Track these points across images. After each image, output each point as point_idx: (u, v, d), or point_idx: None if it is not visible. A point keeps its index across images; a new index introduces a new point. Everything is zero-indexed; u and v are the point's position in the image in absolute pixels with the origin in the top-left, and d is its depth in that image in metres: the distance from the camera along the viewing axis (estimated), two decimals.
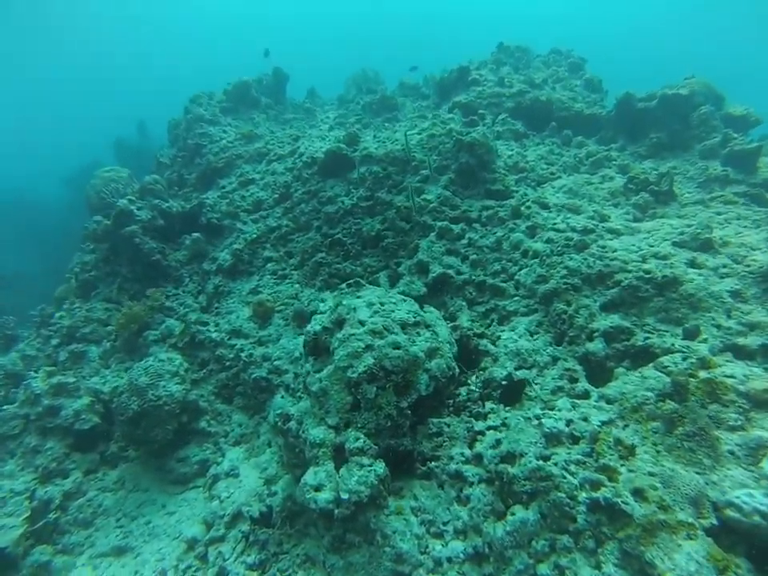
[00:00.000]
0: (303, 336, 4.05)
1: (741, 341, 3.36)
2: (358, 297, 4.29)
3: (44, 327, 6.85)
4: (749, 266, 3.87)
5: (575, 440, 3.04)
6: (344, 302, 3.85)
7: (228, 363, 5.52)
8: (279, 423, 4.17)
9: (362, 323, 3.73)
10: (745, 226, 4.63)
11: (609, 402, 3.30)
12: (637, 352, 3.64)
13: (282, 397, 5.06)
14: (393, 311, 3.91)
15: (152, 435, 4.84)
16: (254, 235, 6.26)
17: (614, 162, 5.99)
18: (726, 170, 5.51)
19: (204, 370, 5.64)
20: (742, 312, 3.58)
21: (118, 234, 6.63)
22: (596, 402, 3.36)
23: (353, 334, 3.61)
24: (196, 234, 6.76)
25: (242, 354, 5.43)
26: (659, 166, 5.90)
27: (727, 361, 3.24)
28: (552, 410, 3.42)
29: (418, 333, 3.84)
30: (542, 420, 3.23)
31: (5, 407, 5.27)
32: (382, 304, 4.05)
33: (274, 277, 6.00)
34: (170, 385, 5.02)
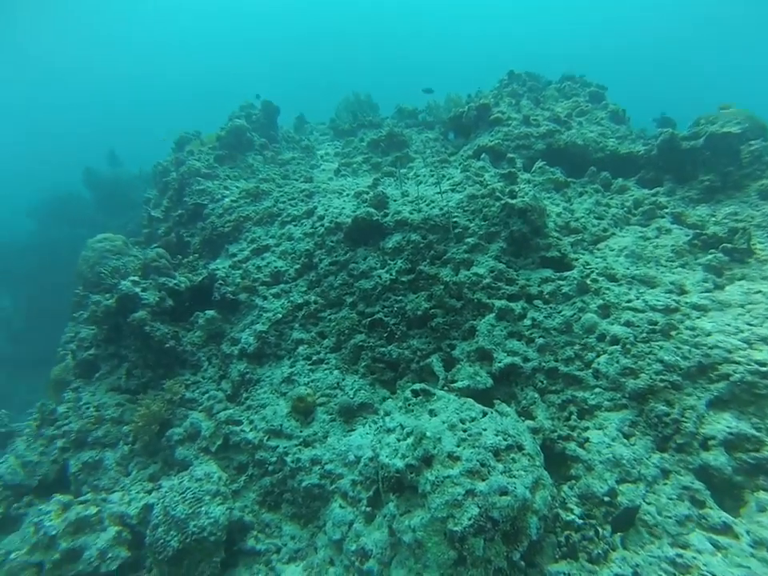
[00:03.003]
0: (382, 470, 3.61)
1: None
2: (431, 411, 3.91)
3: (45, 426, 6.25)
4: None
5: None
6: (427, 434, 3.44)
7: (271, 467, 5.04)
8: (357, 563, 3.78)
9: (451, 458, 3.34)
10: None
11: None
12: None
13: (341, 506, 4.61)
14: (480, 434, 3.54)
15: (197, 574, 4.33)
16: (279, 315, 5.79)
17: (665, 211, 5.72)
18: None
19: (243, 476, 5.15)
20: None
21: (123, 320, 6.07)
22: (752, 547, 2.93)
23: (447, 477, 3.21)
24: (210, 313, 6.25)
25: (288, 459, 4.95)
26: (716, 211, 5.65)
27: None
28: (685, 548, 3.06)
29: (513, 459, 3.47)
30: None
31: (13, 555, 4.63)
32: (463, 422, 3.69)
33: (309, 362, 5.55)
34: (212, 509, 4.52)
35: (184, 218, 7.90)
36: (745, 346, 3.73)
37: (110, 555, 4.53)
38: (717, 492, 3.32)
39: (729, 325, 3.97)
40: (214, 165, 8.42)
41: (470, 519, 3.04)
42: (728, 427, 3.43)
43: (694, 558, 2.89)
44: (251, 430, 5.26)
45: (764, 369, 3.51)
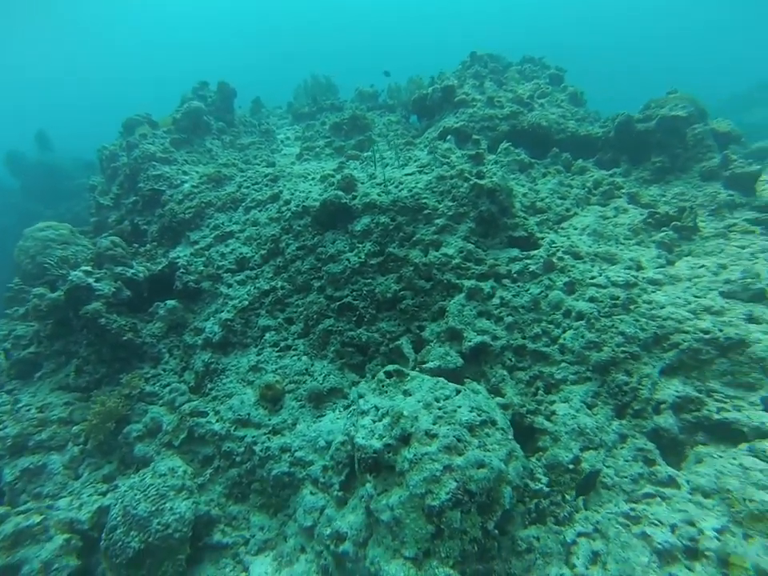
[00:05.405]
0: (358, 452, 3.63)
1: None
2: (406, 391, 3.96)
3: None
4: None
5: (693, 556, 2.91)
6: (404, 413, 3.48)
7: (238, 458, 4.95)
8: (332, 546, 3.80)
9: (429, 435, 3.40)
10: None
11: (705, 495, 3.21)
12: (713, 426, 3.60)
13: (312, 493, 4.59)
14: (455, 411, 3.62)
15: (160, 574, 4.13)
16: (245, 302, 5.65)
17: (622, 191, 5.99)
18: (731, 194, 5.68)
19: (209, 469, 5.02)
20: None
21: (74, 314, 5.74)
22: (690, 494, 3.27)
23: (425, 454, 3.27)
24: (171, 302, 6.02)
25: (256, 448, 4.87)
26: (666, 191, 5.98)
27: None
28: (637, 502, 3.32)
29: (487, 434, 3.57)
30: (646, 530, 3.08)
31: None
32: (438, 400, 3.76)
33: (276, 349, 5.46)
34: (177, 504, 4.36)
35: (139, 205, 7.51)
36: (692, 316, 4.01)
37: (56, 566, 4.09)
38: (664, 450, 3.62)
39: (679, 297, 4.25)
40: (170, 149, 8.03)
41: (447, 493, 3.10)
42: (676, 391, 3.72)
43: (644, 509, 3.17)
44: (217, 421, 5.13)
45: (707, 336, 3.82)
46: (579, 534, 3.31)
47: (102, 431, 5.17)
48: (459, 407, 3.66)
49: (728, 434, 3.52)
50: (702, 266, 4.70)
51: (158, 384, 5.71)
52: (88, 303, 5.53)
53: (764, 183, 5.77)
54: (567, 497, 3.56)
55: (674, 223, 5.13)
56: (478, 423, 3.56)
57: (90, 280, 5.67)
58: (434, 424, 3.48)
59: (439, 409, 3.64)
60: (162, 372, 5.85)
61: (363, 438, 3.64)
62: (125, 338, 5.69)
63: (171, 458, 4.87)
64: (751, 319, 3.98)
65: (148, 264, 6.33)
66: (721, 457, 3.37)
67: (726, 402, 3.65)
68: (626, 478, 3.52)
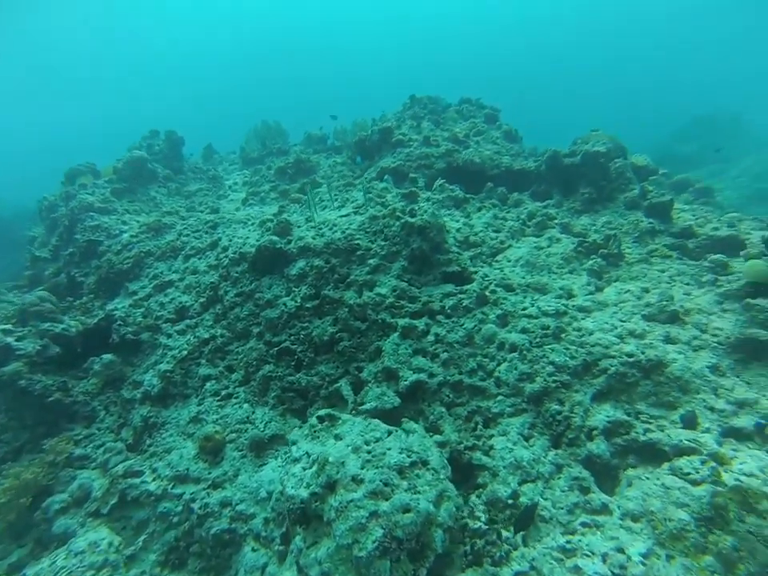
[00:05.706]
0: (287, 503, 3.51)
1: (736, 422, 3.54)
2: (337, 435, 3.88)
3: None
4: (715, 335, 4.14)
5: None
6: (330, 459, 3.41)
7: (176, 519, 4.67)
8: None
9: (355, 480, 3.32)
10: (688, 284, 5.06)
11: (634, 519, 3.24)
12: (640, 447, 3.67)
13: (254, 549, 4.35)
14: (384, 454, 3.57)
15: None
16: (185, 351, 5.52)
17: (555, 221, 6.27)
18: (651, 222, 6.03)
19: (143, 535, 4.71)
20: (726, 389, 3.78)
21: None
22: (620, 519, 3.29)
23: (351, 501, 3.18)
24: (108, 356, 5.80)
25: (194, 506, 4.62)
26: (596, 220, 6.31)
27: (733, 449, 3.37)
28: (572, 534, 3.31)
29: (417, 475, 3.51)
30: (579, 562, 3.06)
31: None
32: (368, 443, 3.70)
33: (217, 398, 5.31)
34: None
35: (75, 257, 7.35)
36: (618, 340, 4.16)
37: None
38: (599, 476, 3.64)
39: (606, 323, 4.40)
40: (110, 199, 7.97)
41: (374, 542, 3.01)
42: (607, 416, 3.78)
43: (579, 540, 3.16)
44: (153, 480, 4.87)
45: (632, 360, 3.95)
46: (516, 574, 3.24)
47: (13, 510, 4.57)
48: (389, 449, 3.61)
49: (654, 455, 3.59)
50: (628, 290, 4.91)
51: (90, 445, 5.41)
52: (6, 364, 5.26)
53: (679, 212, 6.18)
54: (505, 534, 3.51)
55: (601, 250, 5.39)
56: (407, 465, 3.50)
57: (9, 339, 5.42)
58: (361, 468, 3.41)
59: (368, 452, 3.58)
60: (97, 431, 5.57)
61: (293, 487, 3.54)
62: (51, 398, 5.40)
63: (95, 530, 4.54)
64: (668, 340, 4.15)
65: (82, 317, 6.13)
66: (648, 478, 3.43)
67: (651, 423, 3.75)
68: (562, 509, 3.51)
